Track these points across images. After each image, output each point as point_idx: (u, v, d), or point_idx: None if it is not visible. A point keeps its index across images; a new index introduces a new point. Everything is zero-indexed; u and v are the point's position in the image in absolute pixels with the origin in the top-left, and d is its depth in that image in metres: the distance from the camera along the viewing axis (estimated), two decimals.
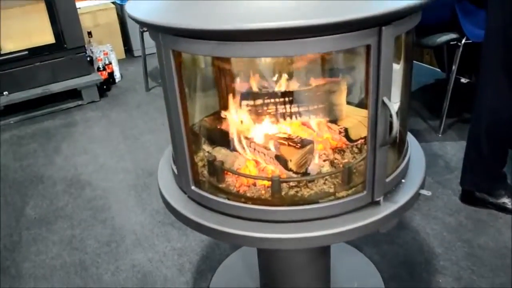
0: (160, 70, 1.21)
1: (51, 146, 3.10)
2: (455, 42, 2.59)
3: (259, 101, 1.35)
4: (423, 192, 1.32)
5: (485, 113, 1.91)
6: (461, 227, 2.07)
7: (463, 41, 2.55)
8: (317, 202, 1.20)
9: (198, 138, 1.47)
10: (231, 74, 1.41)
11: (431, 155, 2.62)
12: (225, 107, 1.40)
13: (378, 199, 1.22)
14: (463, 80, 3.47)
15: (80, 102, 3.68)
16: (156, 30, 1.14)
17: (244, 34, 0.99)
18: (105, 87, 3.85)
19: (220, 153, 1.39)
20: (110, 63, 3.95)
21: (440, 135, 2.83)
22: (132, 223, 2.28)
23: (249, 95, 1.35)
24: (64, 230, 2.27)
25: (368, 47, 1.05)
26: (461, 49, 2.58)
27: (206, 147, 1.44)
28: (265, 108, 1.35)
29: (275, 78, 1.35)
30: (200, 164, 1.43)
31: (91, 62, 3.93)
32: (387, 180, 1.24)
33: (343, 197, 1.23)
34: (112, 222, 2.31)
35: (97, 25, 4.43)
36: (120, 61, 4.33)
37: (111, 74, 3.95)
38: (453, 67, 2.64)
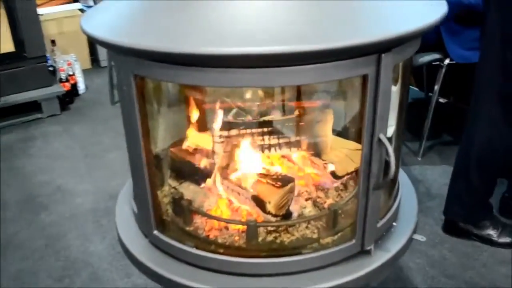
0: (119, 93, 1.04)
1: (5, 163, 2.85)
2: (437, 63, 2.49)
3: (234, 131, 1.18)
4: (417, 237, 1.18)
5: (477, 142, 1.79)
6: (445, 261, 1.94)
7: (446, 61, 2.45)
8: (299, 253, 1.04)
9: (163, 170, 1.29)
10: (202, 100, 1.24)
11: (411, 181, 2.49)
12: (194, 137, 1.23)
13: (368, 248, 1.07)
14: (441, 100, 3.39)
15: (39, 115, 3.42)
16: (114, 50, 0.96)
17: (221, 60, 0.82)
18: (67, 99, 3.60)
19: (188, 189, 1.21)
20: (74, 74, 3.71)
21: (419, 158, 2.71)
22: (88, 254, 2.07)
23: (222, 124, 1.18)
24: (13, 263, 2.04)
25: (364, 78, 0.90)
26: (443, 70, 2.48)
27: (172, 182, 1.27)
28: (240, 139, 1.19)
29: (253, 106, 1.19)
30: (165, 200, 1.25)
31: (54, 72, 3.69)
32: (379, 225, 1.09)
33: (328, 245, 1.08)
34: (66, 253, 2.08)
35: (61, 33, 4.19)
36: (85, 72, 4.09)
37: (74, 86, 3.71)
38: (436, 87, 2.53)
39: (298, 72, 0.84)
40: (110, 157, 2.89)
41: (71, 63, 3.70)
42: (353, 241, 1.06)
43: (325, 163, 1.22)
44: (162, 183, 1.27)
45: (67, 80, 3.63)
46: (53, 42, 3.79)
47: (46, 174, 2.71)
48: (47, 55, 3.54)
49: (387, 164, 0.99)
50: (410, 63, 1.12)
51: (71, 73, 3.67)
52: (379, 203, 1.05)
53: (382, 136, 0.95)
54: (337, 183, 1.25)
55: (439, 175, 2.52)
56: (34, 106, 3.41)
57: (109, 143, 3.07)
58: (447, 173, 2.36)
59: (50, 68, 3.62)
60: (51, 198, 2.49)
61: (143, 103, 1.00)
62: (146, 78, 0.98)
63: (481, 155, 1.81)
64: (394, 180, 1.20)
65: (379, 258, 1.08)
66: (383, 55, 0.88)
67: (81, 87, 3.88)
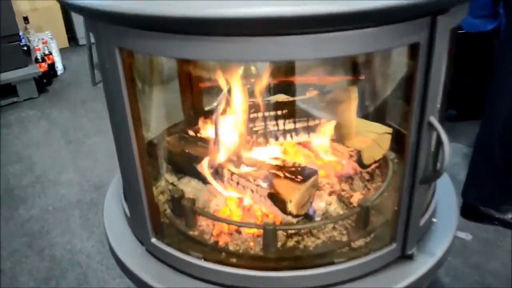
0: (101, 73, 0.83)
1: None
2: None
3: (243, 116, 0.98)
4: (461, 235, 1.00)
5: (500, 117, 1.62)
6: (466, 249, 1.78)
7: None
8: (327, 261, 0.86)
9: (158, 161, 1.09)
10: (203, 78, 1.03)
11: None
12: (194, 122, 1.03)
13: (410, 252, 0.89)
14: None
15: (15, 99, 3.17)
16: (93, 17, 0.75)
17: (228, 25, 0.62)
18: (45, 81, 3.35)
19: (189, 186, 1.02)
20: (50, 53, 3.45)
21: None
22: (76, 253, 1.87)
23: (230, 107, 0.98)
24: None
25: (415, 47, 0.71)
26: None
27: (169, 177, 1.07)
28: (251, 124, 1.00)
29: (264, 84, 0.99)
30: (161, 198, 1.06)
31: (28, 52, 3.42)
32: (421, 223, 0.91)
33: (361, 249, 0.90)
34: (51, 252, 1.89)
35: (35, 10, 3.90)
36: (62, 51, 3.82)
37: (51, 66, 3.44)
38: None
39: (330, 41, 0.65)
40: (93, 142, 2.68)
41: (46, 42, 3.44)
42: (393, 245, 0.88)
43: (350, 150, 1.03)
44: (157, 177, 1.07)
45: (43, 60, 3.37)
46: (25, 19, 3.51)
47: (24, 164, 2.49)
48: (20, 33, 3.28)
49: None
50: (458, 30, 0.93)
51: (47, 52, 3.42)
52: (424, 200, 0.87)
53: (433, 120, 0.76)
54: (364, 173, 1.06)
55: (454, 155, 2.35)
56: (8, 89, 3.15)
57: (91, 127, 2.85)
58: (457, 151, 2.20)
59: (24, 48, 3.36)
60: (30, 190, 2.28)
61: (131, 84, 0.80)
62: (134, 52, 0.78)
63: (505, 130, 1.65)
64: None
65: (423, 264, 0.90)
66: (438, 17, 0.69)
67: (59, 67, 3.63)
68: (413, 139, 0.78)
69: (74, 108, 3.12)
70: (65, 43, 4.24)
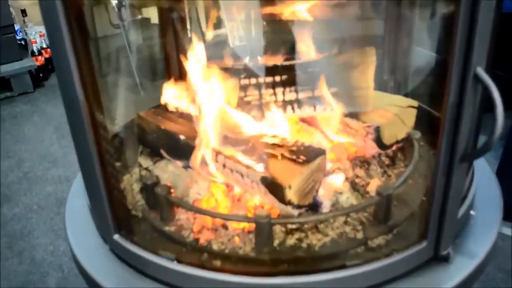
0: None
1: None
2: None
3: (232, 81, 0.79)
4: (506, 231, 0.80)
5: None
6: (498, 252, 1.57)
7: None
8: (339, 267, 0.66)
9: (129, 145, 0.90)
10: (185, 30, 0.84)
11: None
12: (172, 91, 0.84)
13: (445, 252, 0.69)
14: None
15: (9, 94, 3.01)
16: None
17: None
18: (41, 75, 3.19)
19: (166, 171, 0.82)
20: (48, 47, 3.29)
21: None
22: (58, 255, 1.70)
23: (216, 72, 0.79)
24: None
25: None
26: None
27: (143, 161, 0.88)
28: (242, 93, 0.80)
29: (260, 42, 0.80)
30: (135, 188, 0.86)
31: (25, 46, 3.27)
32: (459, 215, 0.71)
33: (381, 250, 0.69)
34: (31, 253, 1.71)
35: (35, 3, 3.77)
36: None
37: (48, 60, 3.29)
38: None
39: None
40: None
41: (44, 35, 3.28)
42: (423, 243, 0.67)
43: (366, 126, 0.83)
44: (129, 163, 0.88)
45: (40, 54, 3.22)
46: (23, 12, 3.36)
47: (11, 160, 2.33)
48: (18, 27, 3.14)
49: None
50: None
51: (44, 46, 3.26)
52: (465, 183, 0.67)
53: (480, 71, 0.56)
54: (383, 156, 0.86)
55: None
56: (2, 84, 3.00)
57: None
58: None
59: (22, 42, 3.22)
60: (15, 187, 2.11)
61: (80, 35, 0.61)
62: None
63: None
64: None
65: (461, 268, 0.70)
66: None
67: None
68: (453, 99, 0.58)
69: None
70: None
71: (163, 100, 0.85)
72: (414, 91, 0.96)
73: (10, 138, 2.55)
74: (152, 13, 1.11)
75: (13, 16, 3.13)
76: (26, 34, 3.31)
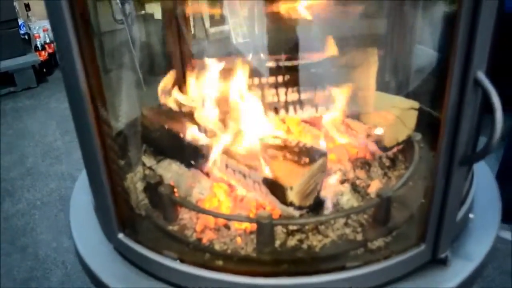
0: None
1: None
2: None
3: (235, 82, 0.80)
4: (505, 235, 0.81)
5: None
6: (499, 253, 1.58)
7: None
8: (339, 268, 0.67)
9: (134, 142, 0.91)
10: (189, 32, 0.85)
11: None
12: (177, 91, 0.85)
13: (444, 255, 0.70)
14: None
15: (12, 89, 3.02)
16: None
17: None
18: (44, 70, 3.20)
19: (170, 170, 0.84)
20: (52, 42, 3.30)
21: None
22: (61, 251, 1.71)
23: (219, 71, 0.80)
24: None
25: None
26: None
27: (147, 160, 0.89)
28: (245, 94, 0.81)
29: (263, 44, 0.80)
30: (139, 187, 0.87)
31: (29, 40, 3.28)
32: (457, 218, 0.72)
33: (380, 251, 0.71)
34: (35, 249, 1.72)
35: None
36: None
37: (52, 55, 3.30)
38: None
39: None
40: None
41: (47, 29, 3.29)
42: (422, 246, 0.69)
43: (367, 128, 0.84)
44: (135, 162, 0.89)
45: (43, 49, 3.22)
46: (27, 6, 3.37)
47: (14, 155, 2.34)
48: (22, 21, 3.14)
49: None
50: None
51: (48, 41, 3.27)
52: (464, 186, 0.68)
53: (481, 75, 0.57)
54: (384, 158, 0.87)
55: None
56: (6, 79, 3.01)
57: None
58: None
59: (25, 37, 3.23)
60: (18, 183, 2.12)
61: (84, 30, 0.62)
62: None
63: None
64: None
65: (459, 271, 0.71)
66: None
67: None
68: (453, 103, 0.58)
69: None
70: None
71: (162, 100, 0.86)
72: (416, 91, 0.96)
73: (13, 133, 2.57)
74: (155, 9, 1.12)
75: (16, 10, 3.14)
76: (30, 28, 3.32)
